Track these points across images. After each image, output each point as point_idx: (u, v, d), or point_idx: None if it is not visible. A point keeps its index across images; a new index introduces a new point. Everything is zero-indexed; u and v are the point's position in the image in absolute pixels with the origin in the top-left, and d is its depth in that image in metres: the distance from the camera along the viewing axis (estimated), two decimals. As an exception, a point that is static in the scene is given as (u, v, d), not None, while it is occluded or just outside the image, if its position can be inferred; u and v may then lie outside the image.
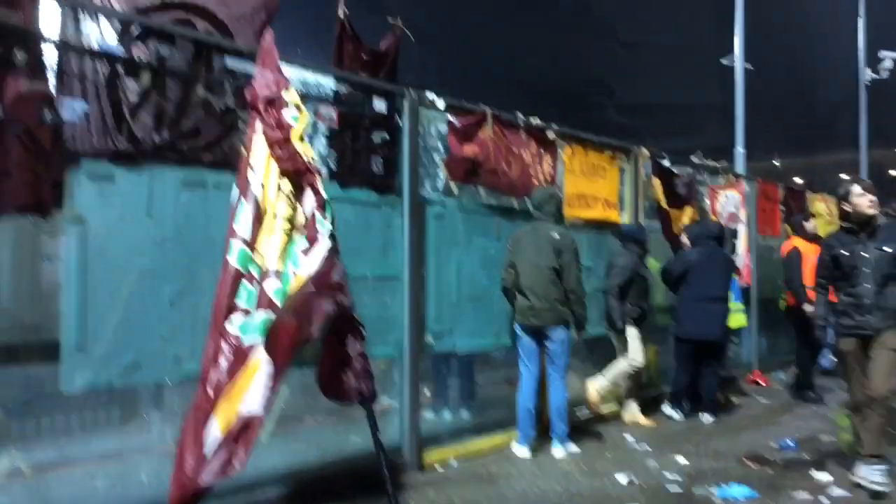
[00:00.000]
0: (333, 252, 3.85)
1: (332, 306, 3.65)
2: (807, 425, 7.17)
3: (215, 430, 3.49)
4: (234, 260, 3.71)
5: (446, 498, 4.84)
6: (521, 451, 5.91)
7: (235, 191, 3.89)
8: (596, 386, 6.88)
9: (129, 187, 3.90)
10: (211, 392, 3.55)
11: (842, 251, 5.21)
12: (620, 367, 6.96)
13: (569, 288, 5.76)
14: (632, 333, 6.96)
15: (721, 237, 7.71)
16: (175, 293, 4.06)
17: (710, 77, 13.91)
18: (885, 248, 5.08)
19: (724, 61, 13.00)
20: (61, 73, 3.64)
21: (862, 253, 5.11)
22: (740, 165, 12.62)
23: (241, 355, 3.62)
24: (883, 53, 18.26)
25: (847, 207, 5.25)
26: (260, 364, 3.60)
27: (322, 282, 3.67)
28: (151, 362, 3.96)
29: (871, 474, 4.92)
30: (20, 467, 4.12)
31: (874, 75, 18.56)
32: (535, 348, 5.95)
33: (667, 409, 7.50)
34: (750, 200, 10.29)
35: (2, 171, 3.41)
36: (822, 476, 5.31)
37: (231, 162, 4.27)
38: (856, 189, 5.20)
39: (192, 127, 4.17)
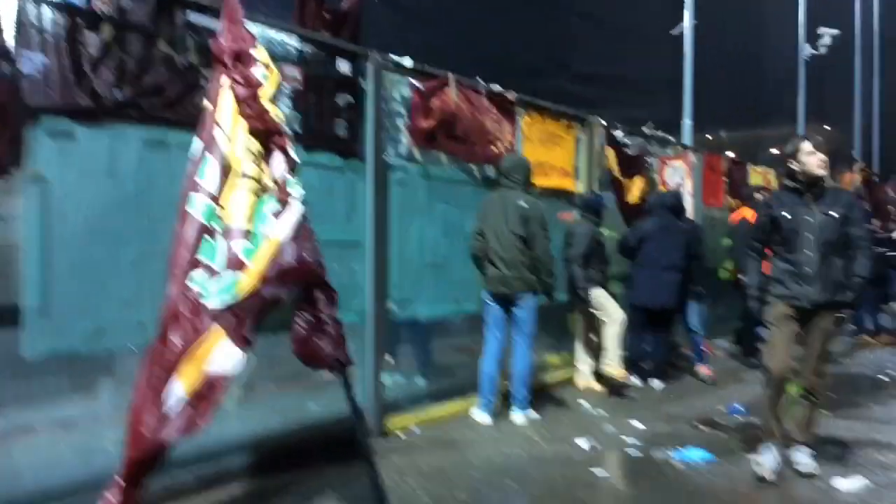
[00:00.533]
0: (304, 217, 3.77)
1: (302, 270, 3.57)
2: (753, 391, 7.36)
3: (178, 391, 3.38)
4: (198, 214, 3.56)
5: (412, 464, 4.85)
6: (482, 416, 5.95)
7: (198, 144, 3.73)
8: (612, 365, 7.04)
9: (90, 145, 3.73)
10: (174, 349, 3.43)
11: (783, 212, 4.74)
12: (611, 333, 7.09)
13: (536, 256, 5.78)
14: (601, 294, 7.08)
15: (678, 207, 7.85)
16: (138, 256, 3.93)
17: (661, 51, 14.07)
18: (831, 212, 4.64)
19: (673, 32, 13.15)
20: (19, 24, 3.43)
21: (806, 217, 4.66)
22: (687, 137, 12.84)
23: (205, 313, 3.51)
24: (822, 30, 18.78)
25: (794, 165, 4.75)
26: (229, 325, 3.50)
27: (294, 245, 3.59)
28: (115, 328, 3.83)
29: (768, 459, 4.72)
30: None
31: (813, 51, 19.10)
32: (502, 315, 5.98)
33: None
34: (696, 172, 10.48)
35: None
36: (774, 439, 5.49)
37: (194, 121, 4.12)
38: (805, 146, 4.70)
39: (155, 84, 4.01)
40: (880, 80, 24.89)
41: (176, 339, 3.36)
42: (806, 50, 19.23)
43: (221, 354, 3.40)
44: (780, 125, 18.09)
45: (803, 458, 4.78)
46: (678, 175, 9.90)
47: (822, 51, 19.12)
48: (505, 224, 5.81)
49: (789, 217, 4.71)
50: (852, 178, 14.87)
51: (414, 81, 5.83)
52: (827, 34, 18.74)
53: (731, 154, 13.09)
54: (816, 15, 19.65)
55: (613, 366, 7.10)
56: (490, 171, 6.64)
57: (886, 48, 25.10)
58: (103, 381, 4.20)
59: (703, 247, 8.14)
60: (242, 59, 3.87)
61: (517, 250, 5.77)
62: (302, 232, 3.65)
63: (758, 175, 12.91)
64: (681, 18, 13.27)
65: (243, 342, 3.45)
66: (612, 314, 7.13)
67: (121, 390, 4.15)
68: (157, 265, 3.92)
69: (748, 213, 8.61)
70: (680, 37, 13.26)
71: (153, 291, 3.92)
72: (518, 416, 5.96)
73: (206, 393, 3.38)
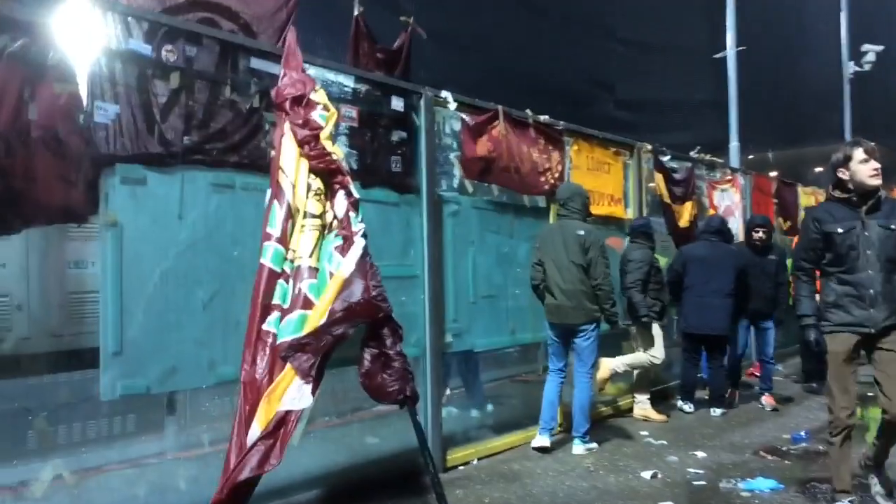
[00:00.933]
0: (367, 251, 3.84)
1: (369, 307, 3.63)
2: (814, 416, 7.24)
3: (255, 431, 3.46)
4: (268, 261, 3.69)
5: (476, 497, 4.82)
6: (542, 440, 5.92)
7: (268, 193, 3.86)
8: (610, 364, 6.84)
9: (160, 190, 3.85)
10: (250, 395, 3.52)
11: (836, 228, 4.23)
12: (640, 357, 7.00)
13: (596, 284, 5.76)
14: (655, 329, 6.99)
15: (724, 231, 7.77)
16: (208, 296, 4.02)
17: (704, 74, 14.03)
18: (892, 225, 4.16)
19: (717, 56, 13.11)
20: (92, 75, 3.57)
21: (863, 232, 4.17)
22: (735, 159, 12.73)
23: (279, 354, 3.59)
24: (866, 47, 18.52)
25: (844, 175, 4.26)
26: (299, 365, 3.57)
27: (360, 281, 3.65)
28: (187, 367, 3.91)
29: None
30: (62, 474, 4.05)
31: (857, 68, 18.84)
32: (562, 345, 5.97)
33: (679, 402, 7.54)
34: (745, 194, 10.38)
35: (38, 178, 3.34)
36: (843, 467, 5.35)
37: (257, 163, 4.24)
38: (857, 153, 4.22)
39: (220, 128, 4.12)
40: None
41: (255, 382, 3.45)
42: (850, 67, 18.97)
43: (292, 392, 3.46)
44: (825, 143, 17.84)
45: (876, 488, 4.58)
46: (728, 198, 9.81)
47: (867, 67, 18.84)
48: (565, 253, 5.79)
49: (842, 232, 4.21)
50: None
51: (464, 116, 5.89)
52: (871, 51, 18.47)
53: (774, 173, 12.94)
54: (860, 31, 19.41)
55: (648, 409, 7.03)
56: (540, 201, 6.66)
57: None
58: (173, 420, 4.28)
59: (786, 273, 7.98)
60: (301, 101, 3.99)
61: (577, 280, 5.75)
62: (366, 267, 3.72)
63: (808, 196, 12.73)
64: (723, 40, 13.24)
65: (311, 379, 3.51)
66: (655, 352, 7.01)
67: (190, 429, 4.24)
68: (224, 303, 4.04)
69: None
70: (723, 59, 13.20)
71: (221, 329, 4.03)
72: (578, 448, 5.91)
73: (276, 430, 3.44)
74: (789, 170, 16.62)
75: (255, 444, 3.39)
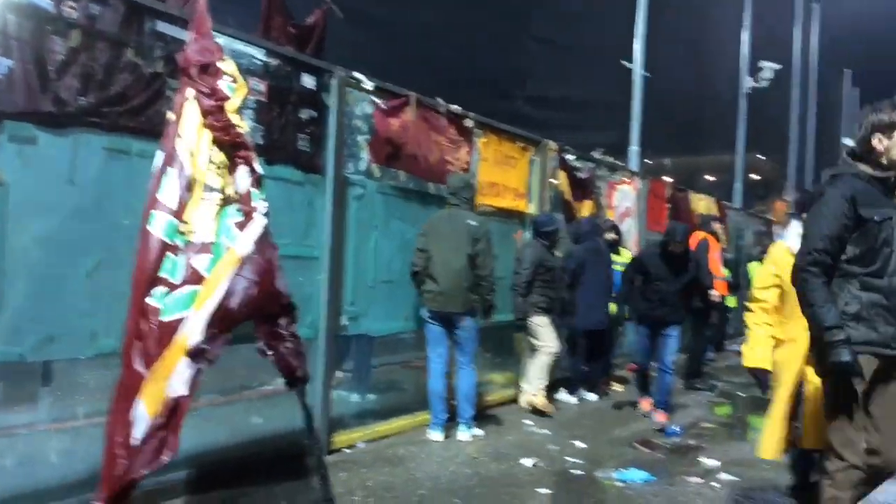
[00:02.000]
0: (269, 234, 3.78)
1: (265, 287, 3.59)
2: (688, 413, 7.64)
3: (142, 412, 3.36)
4: (159, 231, 3.55)
5: (359, 480, 4.87)
6: (436, 434, 6.00)
7: (159, 157, 3.71)
8: (532, 392, 7.11)
9: (51, 151, 3.67)
10: (137, 370, 3.41)
11: (874, 215, 3.17)
12: (541, 361, 7.17)
13: (482, 275, 5.88)
14: (542, 322, 7.17)
15: (598, 232, 8.14)
16: (93, 265, 3.87)
17: (610, 77, 14.44)
18: None
19: (626, 64, 13.50)
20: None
21: None
22: (634, 163, 13.17)
23: (164, 331, 3.50)
24: (763, 63, 19.46)
25: (880, 145, 3.25)
26: (186, 340, 3.49)
27: (259, 262, 3.60)
28: (66, 337, 3.77)
29: None
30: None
31: (754, 84, 19.77)
32: (442, 333, 6.04)
33: (562, 395, 7.79)
34: (641, 197, 10.76)
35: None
36: (710, 462, 5.68)
37: (156, 130, 4.09)
38: None
39: (119, 91, 3.96)
40: (816, 114, 25.94)
41: (138, 359, 3.34)
42: (748, 82, 19.90)
43: (181, 375, 3.38)
44: (718, 153, 18.70)
45: None
46: (628, 199, 10.15)
47: (763, 84, 19.79)
48: (454, 242, 5.87)
49: (878, 221, 3.17)
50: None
51: (376, 99, 5.87)
52: (768, 68, 19.41)
53: (669, 179, 13.46)
54: (759, 48, 20.38)
55: (539, 396, 7.15)
56: (445, 190, 6.72)
57: (821, 84, 26.16)
58: (48, 391, 4.11)
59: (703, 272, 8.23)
60: (209, 70, 3.87)
61: (462, 269, 5.85)
62: (271, 254, 3.66)
63: (701, 202, 13.30)
64: (631, 46, 13.64)
65: (204, 359, 3.44)
66: (546, 344, 7.20)
67: (66, 400, 4.09)
68: (111, 274, 3.90)
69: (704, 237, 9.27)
70: (629, 65, 13.61)
71: (106, 301, 3.89)
72: (464, 434, 6.03)
73: (169, 418, 3.37)
74: (684, 177, 17.33)
75: (147, 436, 3.30)
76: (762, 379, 4.47)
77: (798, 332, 3.85)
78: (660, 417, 7.06)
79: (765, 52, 20.26)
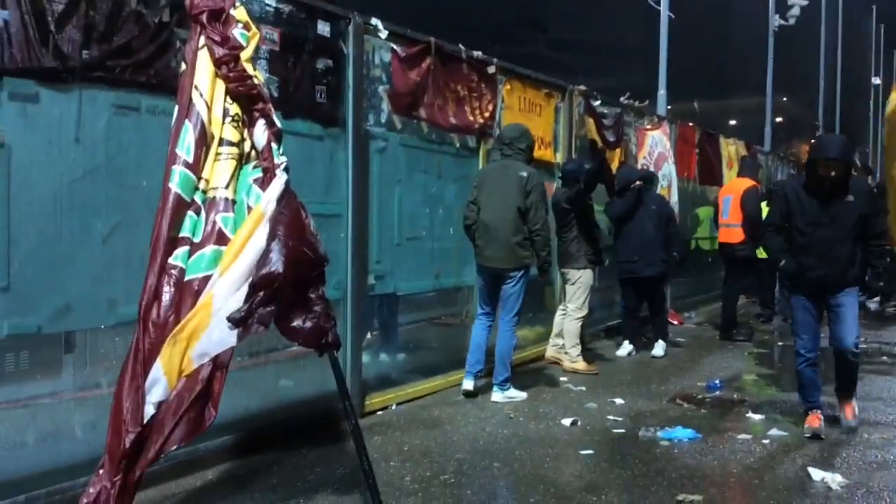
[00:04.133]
0: (290, 188, 3.55)
1: (301, 247, 3.37)
2: (728, 364, 7.40)
3: (158, 375, 3.18)
4: (175, 186, 3.34)
5: (395, 445, 4.70)
6: (467, 384, 5.85)
7: (176, 111, 3.48)
8: (570, 360, 6.93)
9: (55, 109, 3.45)
10: (155, 334, 3.22)
11: None
12: (573, 327, 6.94)
13: (534, 229, 5.59)
14: (585, 278, 6.92)
15: (649, 180, 7.82)
16: (108, 229, 3.67)
17: (637, 20, 13.95)
18: None
19: (652, 3, 12.99)
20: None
21: None
22: (662, 107, 12.74)
23: (187, 291, 3.30)
24: (792, 1, 18.75)
25: None
26: (213, 300, 3.29)
27: (289, 221, 3.38)
28: (83, 306, 3.59)
29: None
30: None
31: (783, 21, 19.08)
32: (490, 289, 5.82)
33: (622, 349, 7.81)
34: (671, 143, 10.40)
35: None
36: (757, 416, 5.46)
37: (166, 84, 3.86)
38: None
39: (124, 43, 3.71)
40: (842, 53, 25.14)
41: (158, 321, 3.15)
42: (776, 20, 19.20)
43: (214, 337, 3.19)
44: (748, 95, 18.14)
45: None
46: (660, 145, 9.79)
47: (791, 21, 19.10)
48: (504, 194, 5.60)
49: None
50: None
51: (395, 46, 5.57)
52: (797, 4, 18.71)
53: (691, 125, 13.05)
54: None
55: (580, 362, 6.93)
56: (470, 140, 6.44)
57: (848, 20, 25.30)
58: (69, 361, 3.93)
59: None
60: (219, 16, 3.61)
61: (512, 223, 5.57)
62: (292, 206, 3.44)
63: (729, 146, 12.91)
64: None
65: (252, 326, 3.26)
66: (579, 308, 6.95)
67: (88, 371, 3.92)
68: (128, 237, 3.72)
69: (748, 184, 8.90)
70: (656, 6, 13.10)
71: (123, 266, 3.71)
72: (498, 395, 5.82)
73: (207, 388, 3.21)
74: (709, 121, 16.84)
75: (185, 406, 3.16)
76: None
77: None
78: (848, 413, 5.19)
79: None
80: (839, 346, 4.97)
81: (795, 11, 18.59)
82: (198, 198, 3.34)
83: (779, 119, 26.05)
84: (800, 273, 4.99)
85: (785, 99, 22.84)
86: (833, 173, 4.74)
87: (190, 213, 3.33)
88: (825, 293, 4.98)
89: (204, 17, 3.55)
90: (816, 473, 4.23)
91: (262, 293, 3.24)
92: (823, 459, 4.54)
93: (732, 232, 8.86)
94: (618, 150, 8.77)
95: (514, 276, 5.65)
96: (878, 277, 4.55)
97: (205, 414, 3.21)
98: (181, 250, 3.26)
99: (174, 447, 3.17)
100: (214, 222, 3.36)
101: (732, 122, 25.15)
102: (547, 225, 5.69)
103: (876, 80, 33.15)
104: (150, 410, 3.17)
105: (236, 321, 3.19)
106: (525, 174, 5.62)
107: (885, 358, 7.83)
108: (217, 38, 3.53)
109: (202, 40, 3.55)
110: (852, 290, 4.99)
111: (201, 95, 3.46)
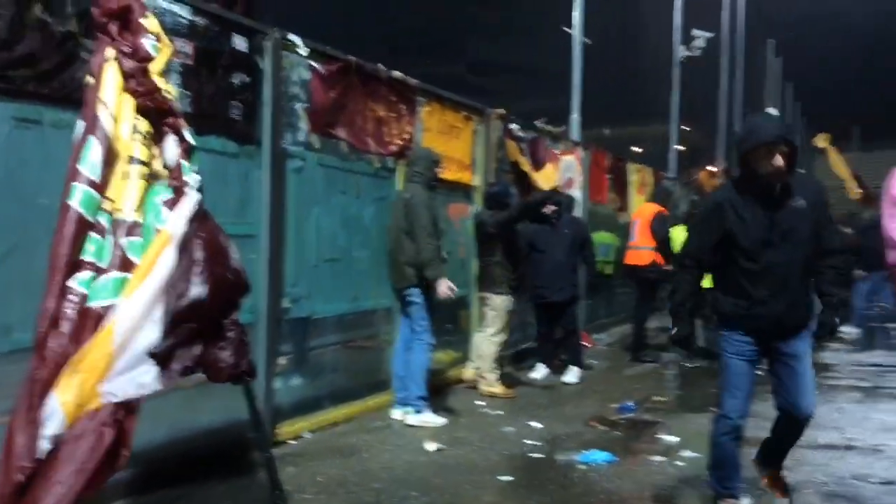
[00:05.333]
0: (203, 208, 3.38)
1: (221, 271, 3.20)
2: (640, 386, 7.53)
3: (55, 407, 2.95)
4: (77, 204, 3.12)
5: (309, 475, 4.54)
6: (394, 412, 5.87)
7: (80, 126, 3.27)
8: (487, 384, 6.87)
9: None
10: (52, 362, 2.99)
11: None
12: (488, 351, 6.90)
13: (416, 246, 5.68)
14: (504, 304, 6.90)
15: (565, 203, 7.93)
16: (4, 250, 3.42)
17: (552, 45, 14.24)
18: None
19: (567, 29, 13.25)
20: None
21: None
22: (576, 132, 12.97)
23: (89, 318, 3.08)
24: (696, 32, 19.51)
25: None
26: (113, 329, 3.08)
27: (204, 243, 3.21)
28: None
29: None
30: None
31: (688, 52, 19.83)
32: (402, 309, 5.97)
33: (535, 372, 7.86)
34: (584, 167, 10.58)
35: None
36: (670, 438, 5.53)
37: (71, 97, 3.64)
38: None
39: (26, 53, 3.49)
40: (743, 80, 26.35)
41: (56, 349, 2.92)
42: (681, 51, 19.94)
43: (129, 379, 2.99)
44: (654, 123, 18.74)
45: None
46: (571, 170, 9.95)
47: (696, 53, 19.87)
48: (396, 218, 5.83)
49: None
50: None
51: (314, 64, 5.46)
52: (701, 36, 19.48)
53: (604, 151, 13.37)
54: (692, 17, 20.42)
55: (497, 385, 6.87)
56: (389, 162, 6.37)
57: (748, 52, 26.53)
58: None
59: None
60: (130, 27, 3.42)
61: (400, 244, 5.75)
62: (207, 226, 3.28)
63: (637, 172, 13.25)
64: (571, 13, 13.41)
65: (172, 365, 3.07)
66: (498, 332, 6.91)
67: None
68: (27, 260, 3.47)
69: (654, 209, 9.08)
70: (570, 31, 13.38)
71: (21, 290, 3.45)
72: (413, 418, 5.72)
73: (122, 424, 3.00)
74: (617, 147, 17.31)
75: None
76: None
77: None
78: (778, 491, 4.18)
79: (698, 20, 20.27)
80: (794, 412, 3.79)
81: (700, 43, 19.37)
82: (102, 219, 3.13)
83: (682, 147, 27.07)
84: (746, 312, 3.74)
85: (684, 127, 23.71)
86: (780, 163, 3.53)
87: (93, 234, 3.11)
88: (775, 338, 3.75)
89: (113, 27, 3.38)
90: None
91: (184, 326, 3.05)
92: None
93: (640, 254, 9.07)
94: (548, 168, 8.92)
95: (410, 294, 5.77)
96: (833, 312, 3.81)
97: (119, 456, 2.97)
98: (84, 274, 3.04)
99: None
100: (120, 247, 3.16)
101: (639, 150, 25.97)
102: (429, 245, 5.63)
103: (772, 111, 34.80)
104: (44, 446, 2.94)
105: (158, 357, 3.00)
106: (407, 195, 5.79)
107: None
108: (126, 50, 3.35)
109: (110, 52, 3.37)
110: (807, 334, 3.81)
111: (108, 110, 3.27)
